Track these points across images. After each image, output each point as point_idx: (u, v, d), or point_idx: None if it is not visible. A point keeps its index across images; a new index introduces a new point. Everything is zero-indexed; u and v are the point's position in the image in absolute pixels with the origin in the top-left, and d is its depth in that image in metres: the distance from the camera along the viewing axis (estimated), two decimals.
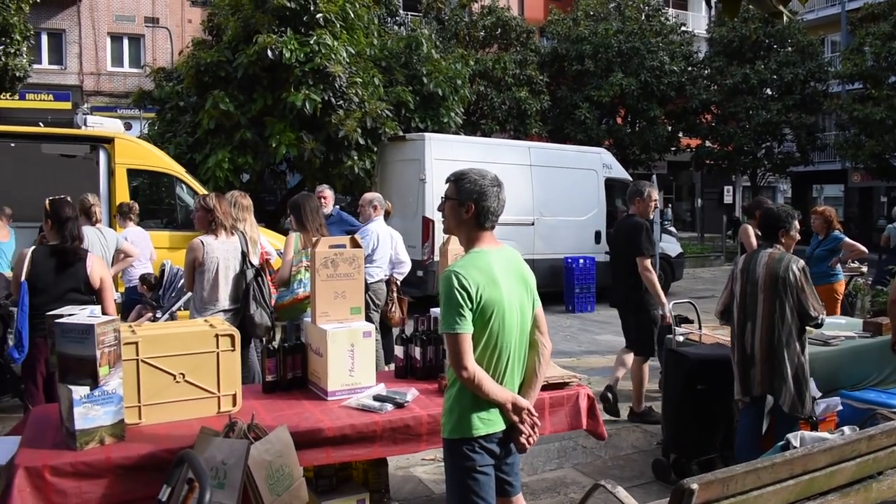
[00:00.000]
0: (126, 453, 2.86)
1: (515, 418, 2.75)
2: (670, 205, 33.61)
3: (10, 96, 17.74)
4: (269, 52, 11.70)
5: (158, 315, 5.77)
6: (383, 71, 13.80)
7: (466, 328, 2.63)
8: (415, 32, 15.53)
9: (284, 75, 12.00)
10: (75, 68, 25.38)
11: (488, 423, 2.73)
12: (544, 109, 22.17)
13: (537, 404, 2.96)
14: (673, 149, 25.68)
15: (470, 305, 2.63)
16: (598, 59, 23.19)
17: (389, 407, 3.37)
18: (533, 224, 12.45)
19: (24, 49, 15.92)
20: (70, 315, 3.01)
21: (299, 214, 5.10)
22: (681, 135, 26.22)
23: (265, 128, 12.26)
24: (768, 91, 25.08)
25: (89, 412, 2.85)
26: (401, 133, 12.54)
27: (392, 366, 6.40)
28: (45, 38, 24.85)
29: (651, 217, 6.32)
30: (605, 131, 23.79)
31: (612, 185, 13.91)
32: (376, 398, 3.45)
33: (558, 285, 12.36)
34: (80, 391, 2.83)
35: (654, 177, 13.81)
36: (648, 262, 5.89)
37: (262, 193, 16.95)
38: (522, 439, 2.77)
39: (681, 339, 5.71)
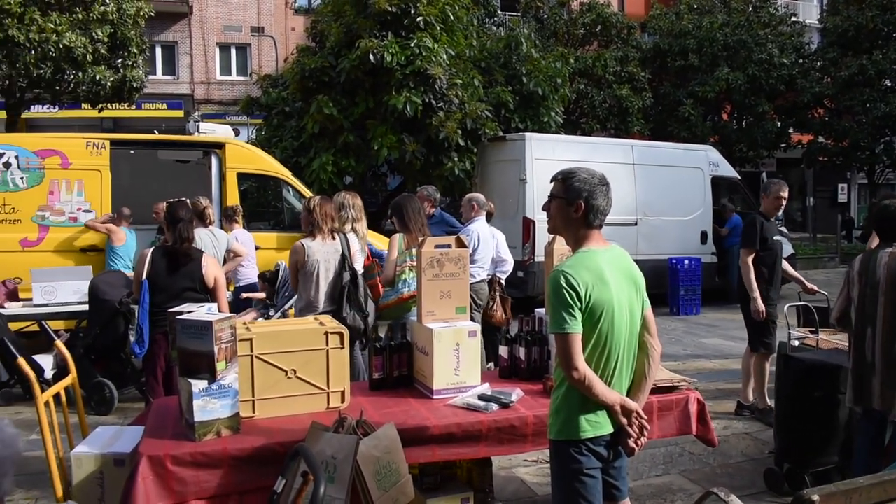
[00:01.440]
0: (241, 445, 2.96)
1: (624, 421, 2.69)
2: None
3: (128, 106, 18.75)
4: (371, 57, 11.90)
5: (271, 313, 5.97)
6: (483, 72, 13.81)
7: (576, 328, 2.59)
8: (514, 32, 15.49)
9: (386, 79, 12.17)
10: (187, 78, 26.58)
11: (596, 426, 2.68)
12: (646, 107, 21.67)
13: (646, 408, 2.89)
14: (783, 145, 24.59)
15: (579, 305, 2.59)
16: (703, 53, 22.47)
17: (495, 407, 3.35)
18: (636, 224, 12.19)
19: (141, 61, 16.80)
20: (189, 312, 3.14)
21: (402, 215, 5.15)
22: (791, 130, 25.04)
23: (367, 131, 12.47)
24: (887, 82, 23.65)
25: (207, 405, 2.96)
26: (501, 133, 12.52)
27: (493, 365, 6.44)
28: (158, 51, 26.13)
29: (779, 215, 6.45)
30: (710, 128, 23.02)
31: (718, 184, 13.46)
32: (481, 398, 3.45)
33: (662, 287, 12.04)
34: (199, 385, 2.94)
35: (764, 174, 13.26)
36: (750, 256, 6.00)
37: (364, 195, 17.26)
38: (631, 443, 2.71)
39: (796, 343, 5.48)
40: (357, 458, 2.79)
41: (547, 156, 11.24)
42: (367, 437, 2.89)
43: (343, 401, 3.40)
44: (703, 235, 13.00)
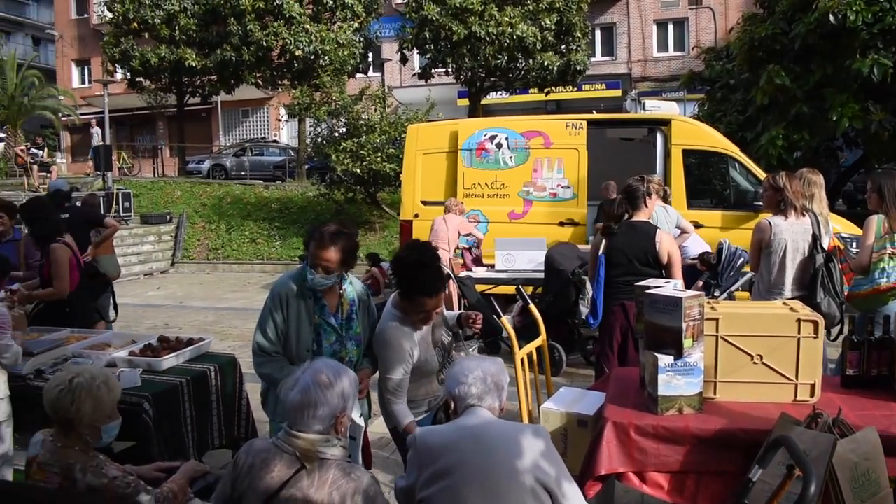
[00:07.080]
0: (703, 425, 2.93)
1: None
2: None
3: (571, 88, 19.85)
4: (831, 17, 10.72)
5: (716, 294, 5.81)
6: None
7: None
8: None
9: (848, 41, 10.88)
10: (624, 57, 27.18)
11: None
12: None
13: None
14: None
15: None
16: None
17: None
18: None
19: (584, 45, 17.63)
20: (657, 287, 3.18)
21: (882, 194, 4.58)
22: None
23: (824, 100, 11.32)
24: None
25: (671, 380, 2.98)
26: None
27: None
28: (598, 33, 27.12)
29: None
30: None
31: None
32: None
33: None
34: (665, 359, 2.98)
35: None
36: None
37: None
38: None
39: None
40: (833, 459, 2.57)
41: None
42: (844, 439, 2.65)
43: (812, 395, 3.14)
44: None
